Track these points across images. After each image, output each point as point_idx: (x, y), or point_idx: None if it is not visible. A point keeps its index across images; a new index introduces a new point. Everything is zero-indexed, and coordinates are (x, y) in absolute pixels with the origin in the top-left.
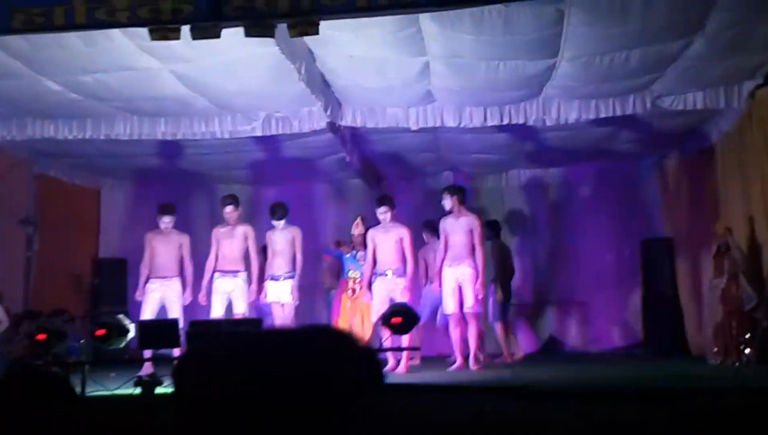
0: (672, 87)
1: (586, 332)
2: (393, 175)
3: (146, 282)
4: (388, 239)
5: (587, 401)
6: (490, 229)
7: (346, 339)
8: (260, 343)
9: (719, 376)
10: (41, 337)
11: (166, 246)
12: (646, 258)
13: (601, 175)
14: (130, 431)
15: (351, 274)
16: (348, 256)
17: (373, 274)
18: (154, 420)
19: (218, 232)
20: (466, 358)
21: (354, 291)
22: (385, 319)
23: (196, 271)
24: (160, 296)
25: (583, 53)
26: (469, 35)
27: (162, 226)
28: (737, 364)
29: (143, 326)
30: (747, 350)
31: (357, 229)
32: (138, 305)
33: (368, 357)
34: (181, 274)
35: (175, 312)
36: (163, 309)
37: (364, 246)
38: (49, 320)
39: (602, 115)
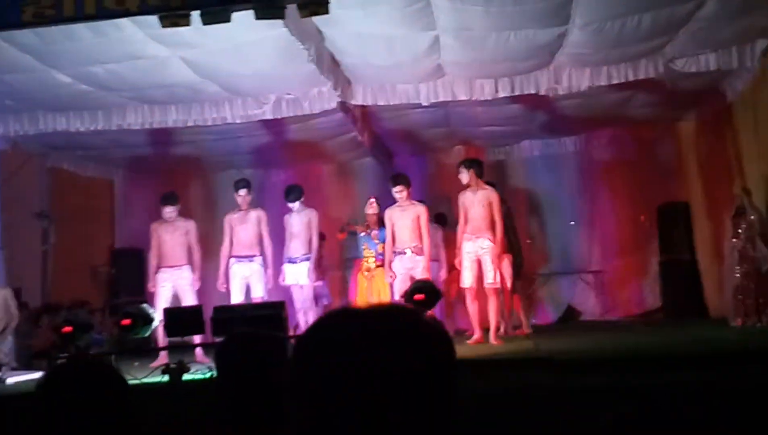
0: (684, 49)
1: (605, 300)
2: (404, 152)
3: (156, 272)
4: (405, 217)
5: (611, 370)
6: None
7: (424, 322)
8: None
9: (741, 339)
10: (67, 329)
11: (172, 234)
12: (662, 223)
13: (615, 141)
14: (172, 417)
15: (366, 253)
16: (363, 235)
17: (393, 252)
18: (189, 405)
19: (231, 218)
20: (486, 331)
21: (370, 270)
22: (408, 296)
23: (205, 257)
24: (172, 285)
25: (594, 19)
26: (478, 6)
27: (165, 215)
28: (759, 325)
29: (169, 314)
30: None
31: (371, 209)
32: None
33: (447, 338)
34: (191, 261)
35: (188, 300)
36: (175, 298)
37: (378, 225)
38: (72, 312)
39: (614, 81)
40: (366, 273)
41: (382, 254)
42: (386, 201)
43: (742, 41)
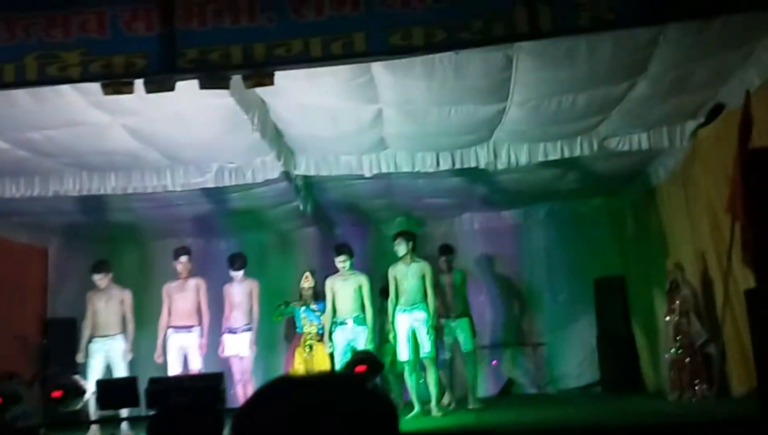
0: (618, 128)
1: (544, 373)
2: (346, 222)
3: (89, 342)
4: (347, 287)
5: None
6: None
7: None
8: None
9: (677, 412)
10: None
11: (106, 303)
12: (599, 296)
13: (552, 215)
14: None
15: (306, 328)
16: (302, 308)
17: (333, 323)
18: None
19: (169, 287)
20: (424, 404)
21: (311, 347)
22: (349, 368)
23: (139, 326)
24: (104, 355)
25: (531, 97)
26: (420, 81)
27: (97, 283)
28: (693, 399)
29: (102, 385)
30: (703, 386)
31: (306, 283)
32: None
33: (392, 409)
34: (124, 330)
35: (120, 370)
36: (107, 369)
37: (315, 298)
38: (1, 384)
39: (551, 158)
40: (307, 349)
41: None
42: (327, 271)
43: (673, 121)
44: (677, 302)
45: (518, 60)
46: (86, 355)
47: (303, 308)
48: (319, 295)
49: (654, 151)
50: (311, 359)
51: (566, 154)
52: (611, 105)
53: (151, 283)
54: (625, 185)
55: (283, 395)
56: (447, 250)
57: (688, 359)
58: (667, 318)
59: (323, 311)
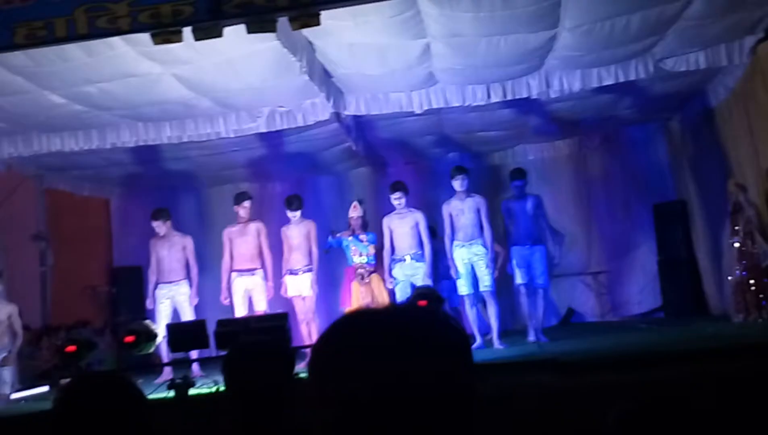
0: (673, 48)
1: (605, 301)
2: (398, 161)
3: (155, 288)
4: (404, 225)
5: (616, 370)
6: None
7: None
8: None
9: (742, 333)
10: (71, 348)
11: (169, 250)
12: (659, 222)
13: (608, 142)
14: (181, 432)
15: (357, 259)
16: (350, 239)
17: (392, 260)
18: (197, 419)
19: (230, 231)
20: (485, 336)
21: (363, 277)
22: (412, 303)
23: (201, 271)
24: (170, 301)
25: (583, 21)
26: (467, 13)
27: (157, 231)
28: (760, 320)
29: (173, 329)
30: None
31: (355, 212)
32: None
33: (467, 339)
34: (188, 276)
35: (186, 315)
36: (174, 313)
37: (364, 228)
38: (75, 331)
39: (605, 83)
40: (359, 278)
41: (374, 257)
42: (381, 210)
43: (731, 38)
44: (741, 223)
45: None
46: (153, 301)
47: (351, 239)
48: (367, 224)
49: (712, 71)
50: (368, 291)
51: (621, 79)
52: (666, 25)
53: (210, 229)
54: (682, 107)
55: (359, 327)
56: (519, 174)
57: (753, 281)
58: (731, 240)
59: (372, 242)
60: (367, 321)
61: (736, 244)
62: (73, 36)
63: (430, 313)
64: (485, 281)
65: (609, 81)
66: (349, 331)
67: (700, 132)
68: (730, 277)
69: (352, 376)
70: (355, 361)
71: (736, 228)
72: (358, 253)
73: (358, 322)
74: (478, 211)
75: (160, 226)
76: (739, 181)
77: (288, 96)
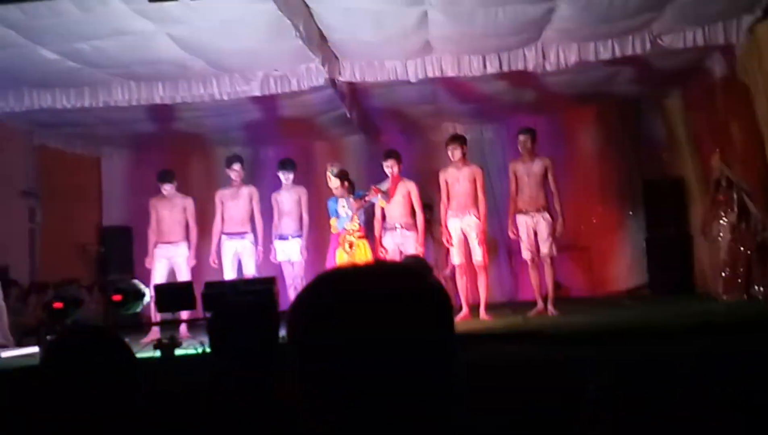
0: (671, 25)
1: (591, 277)
2: (392, 130)
3: (154, 247)
4: (396, 193)
5: (599, 343)
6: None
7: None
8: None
9: (729, 311)
10: (58, 305)
11: (170, 211)
12: (649, 198)
13: (602, 117)
14: (167, 391)
15: (348, 225)
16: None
17: (383, 228)
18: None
19: (222, 193)
20: (473, 307)
21: (351, 245)
22: None
23: (199, 234)
24: (168, 261)
25: None
26: None
27: (164, 192)
28: (745, 297)
29: (159, 290)
30: (760, 288)
31: (330, 183)
32: (144, 271)
33: (449, 301)
34: (187, 237)
35: (183, 276)
36: (171, 274)
37: (352, 192)
38: (62, 289)
39: (602, 57)
40: (347, 246)
41: (361, 223)
42: (375, 178)
43: (729, 17)
44: (726, 198)
45: None
46: (152, 261)
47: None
48: (354, 188)
49: (709, 49)
50: (352, 257)
51: (618, 54)
52: (664, 1)
53: (208, 191)
54: (680, 83)
55: (336, 284)
56: (528, 131)
57: (741, 258)
58: (723, 221)
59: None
60: (348, 277)
61: (722, 221)
62: None
63: (409, 271)
64: (477, 254)
65: (606, 56)
66: (329, 287)
67: (696, 108)
68: (715, 255)
69: (330, 332)
70: (333, 317)
71: (724, 203)
72: (350, 219)
73: (339, 277)
74: (474, 181)
75: (170, 189)
76: (722, 156)
77: (283, 60)
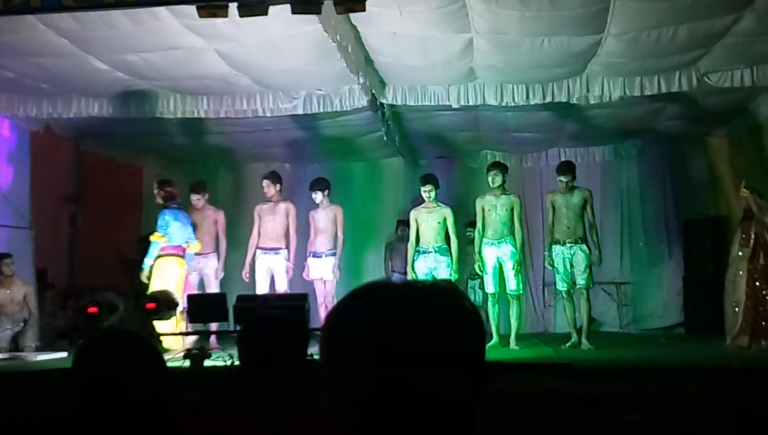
0: (719, 63)
1: (626, 312)
2: (431, 154)
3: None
4: (431, 219)
5: (629, 381)
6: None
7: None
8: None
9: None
10: (93, 309)
11: (201, 222)
12: (689, 237)
13: (645, 152)
14: (195, 401)
15: None
16: None
17: (416, 251)
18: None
19: (261, 208)
20: (504, 336)
21: None
22: None
23: (230, 246)
24: (198, 273)
25: (630, 29)
26: (514, 11)
27: (193, 203)
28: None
29: (193, 300)
30: None
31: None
32: None
33: (482, 324)
34: (217, 249)
35: (212, 287)
36: (200, 285)
37: None
38: (100, 293)
39: (647, 93)
40: None
41: None
42: (411, 201)
43: None
44: (751, 232)
45: None
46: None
47: None
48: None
49: (757, 89)
50: None
51: (663, 90)
52: (714, 39)
53: (242, 204)
54: (725, 122)
55: (371, 300)
56: (567, 168)
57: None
58: (739, 251)
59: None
60: (384, 291)
61: (746, 258)
62: (121, 3)
63: (449, 290)
64: (511, 284)
65: (651, 91)
66: (364, 300)
67: (742, 148)
68: (731, 294)
69: (362, 343)
70: (366, 329)
71: (744, 236)
72: None
73: (375, 291)
74: (511, 209)
75: (198, 199)
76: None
77: (327, 80)
